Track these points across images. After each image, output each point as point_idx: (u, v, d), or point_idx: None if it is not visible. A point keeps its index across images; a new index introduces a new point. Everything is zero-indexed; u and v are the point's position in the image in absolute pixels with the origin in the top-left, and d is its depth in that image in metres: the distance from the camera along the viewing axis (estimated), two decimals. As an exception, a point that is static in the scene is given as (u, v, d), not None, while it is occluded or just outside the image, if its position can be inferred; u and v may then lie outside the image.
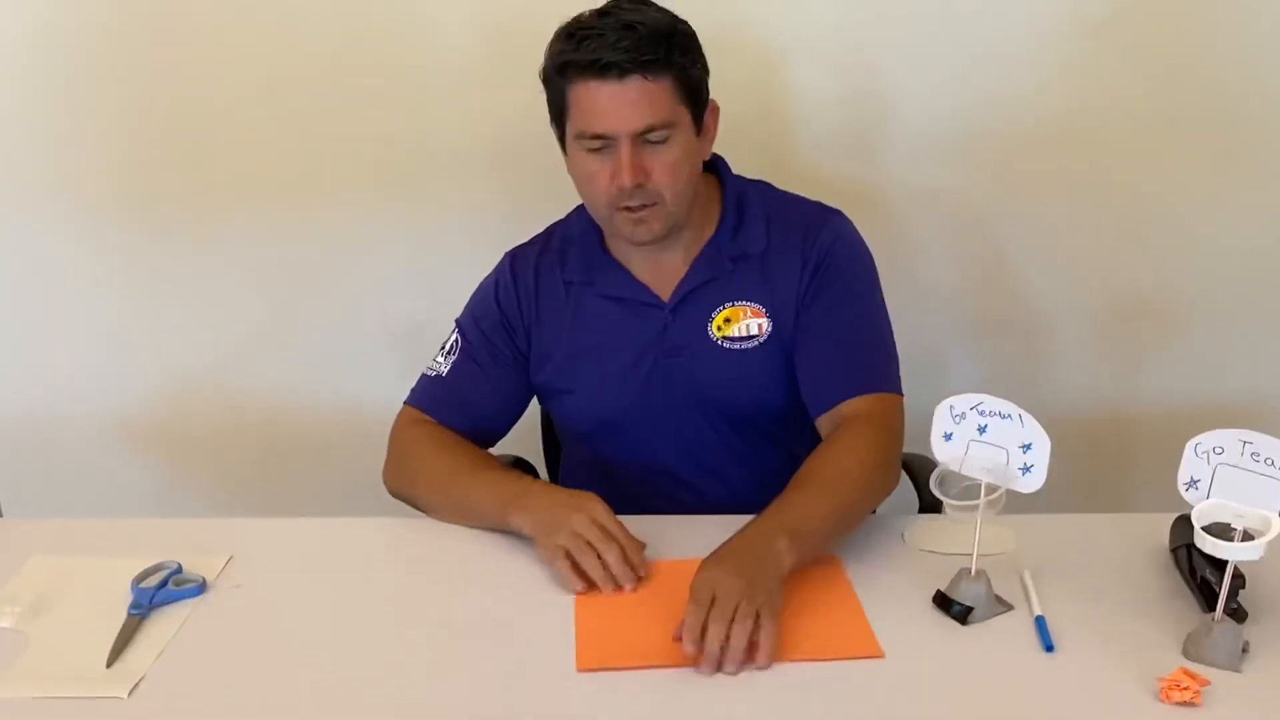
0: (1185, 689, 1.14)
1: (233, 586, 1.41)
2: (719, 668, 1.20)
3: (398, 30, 2.05)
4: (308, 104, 2.11)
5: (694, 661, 1.21)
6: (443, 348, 1.69)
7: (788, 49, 2.01)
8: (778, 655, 1.22)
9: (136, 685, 1.22)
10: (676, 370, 1.62)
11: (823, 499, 1.39)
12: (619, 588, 1.36)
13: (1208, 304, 2.20)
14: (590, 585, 1.36)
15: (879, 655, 1.25)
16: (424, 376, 1.69)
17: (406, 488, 1.61)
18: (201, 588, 1.40)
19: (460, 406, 1.65)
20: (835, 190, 1.91)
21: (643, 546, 1.41)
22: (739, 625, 1.20)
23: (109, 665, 1.26)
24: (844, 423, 1.51)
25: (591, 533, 1.38)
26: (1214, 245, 2.16)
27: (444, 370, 1.67)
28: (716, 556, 1.29)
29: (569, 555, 1.37)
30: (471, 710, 1.19)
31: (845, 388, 1.54)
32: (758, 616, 1.22)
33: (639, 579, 1.37)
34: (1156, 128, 2.08)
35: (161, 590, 1.38)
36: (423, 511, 1.58)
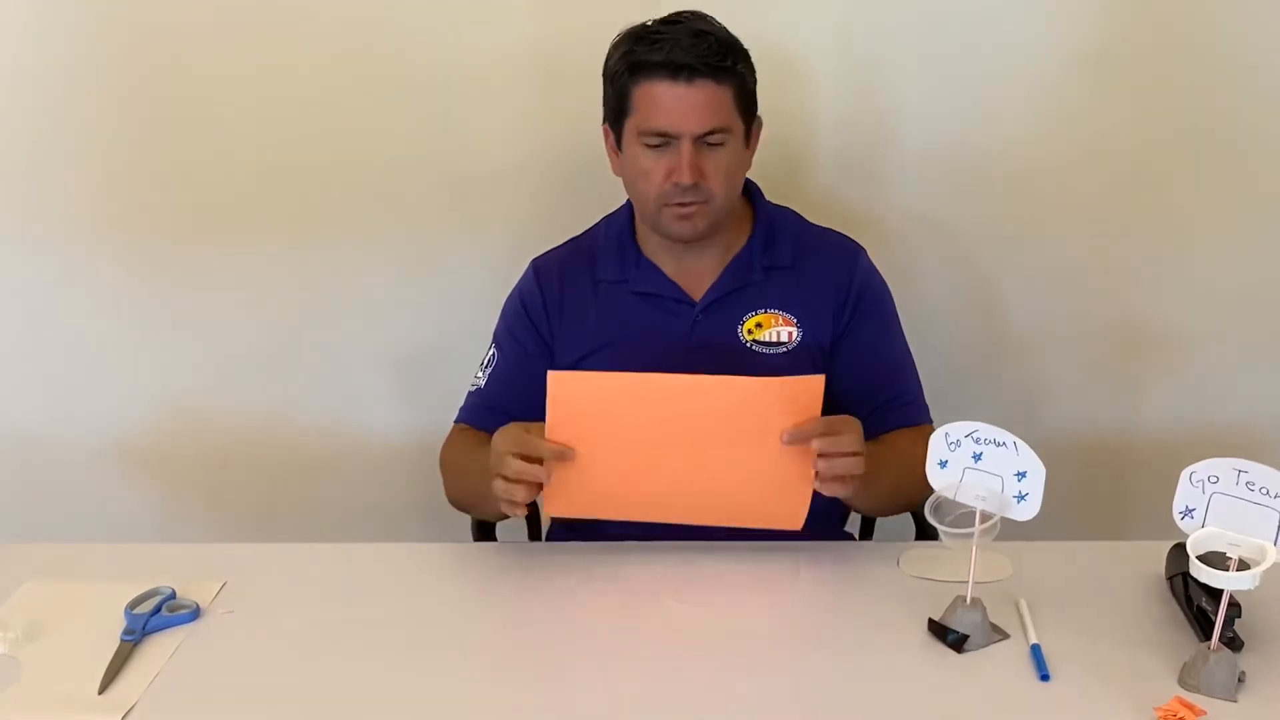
0: (1182, 719, 1.14)
1: (225, 612, 1.41)
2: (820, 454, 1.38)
3: (397, 55, 2.06)
4: (304, 129, 2.11)
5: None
6: (482, 363, 1.75)
7: (789, 73, 2.02)
8: (700, 518, 1.45)
9: (129, 712, 1.22)
10: (700, 367, 1.63)
11: (894, 465, 1.52)
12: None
13: (1203, 333, 2.20)
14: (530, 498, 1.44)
15: (795, 527, 1.42)
16: (468, 394, 1.75)
17: (454, 495, 1.68)
18: (195, 614, 1.39)
19: (498, 412, 1.68)
20: (834, 214, 1.92)
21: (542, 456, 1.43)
22: (849, 455, 1.39)
23: (101, 692, 1.25)
24: (902, 430, 1.65)
25: (500, 464, 1.43)
26: (1210, 274, 2.16)
27: (483, 383, 1.73)
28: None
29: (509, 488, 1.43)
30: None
31: (890, 424, 1.65)
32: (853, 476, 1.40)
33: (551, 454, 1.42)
34: (1154, 158, 2.09)
35: (155, 616, 1.37)
36: (481, 518, 1.69)
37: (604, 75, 1.61)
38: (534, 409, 1.67)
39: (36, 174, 2.16)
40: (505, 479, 1.42)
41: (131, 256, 2.21)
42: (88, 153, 2.14)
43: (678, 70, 1.51)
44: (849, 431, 1.40)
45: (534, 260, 1.77)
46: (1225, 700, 1.19)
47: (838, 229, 1.77)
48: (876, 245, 1.78)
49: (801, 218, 1.76)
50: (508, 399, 1.70)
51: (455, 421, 1.75)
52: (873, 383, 1.68)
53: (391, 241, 2.19)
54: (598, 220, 1.78)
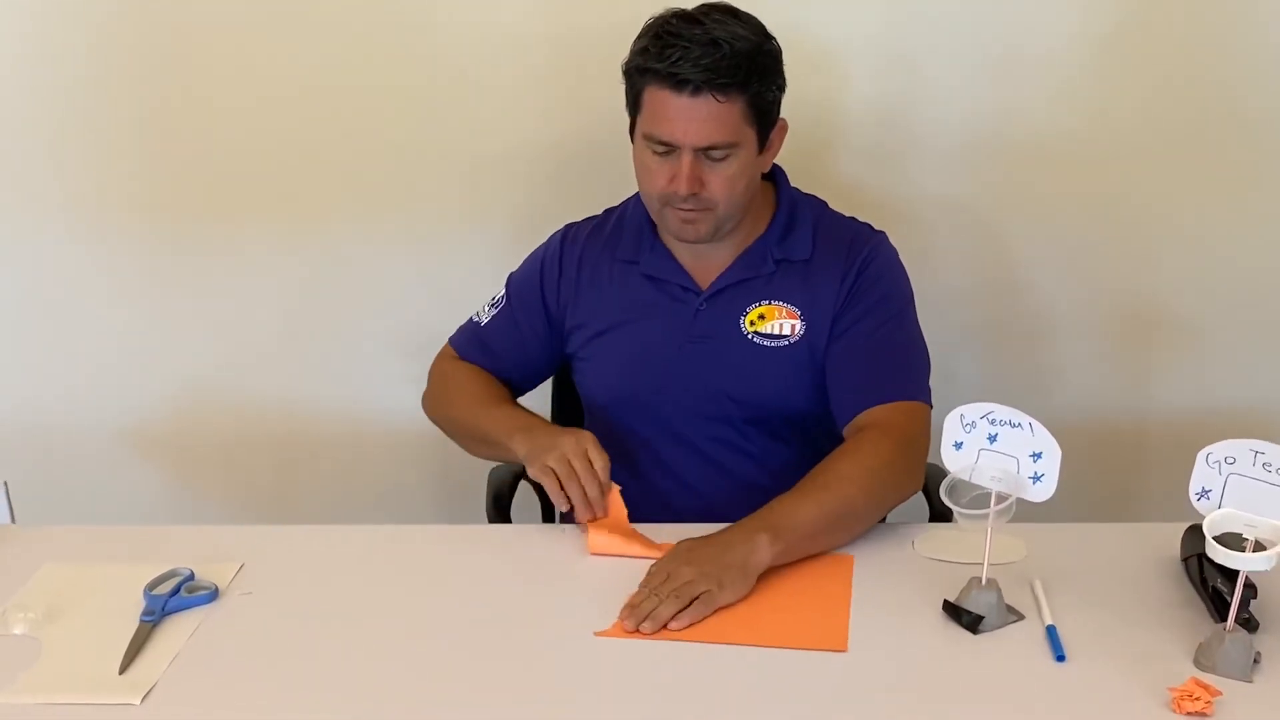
0: (1197, 699, 1.14)
1: (243, 594, 1.42)
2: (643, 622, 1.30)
3: (410, 40, 2.06)
4: (319, 114, 2.12)
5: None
6: (492, 299, 1.79)
7: (815, 61, 2.01)
8: (737, 639, 1.29)
9: (149, 692, 1.23)
10: (701, 357, 1.66)
11: (814, 501, 1.44)
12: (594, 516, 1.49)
13: (1219, 313, 2.19)
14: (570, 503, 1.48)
15: (841, 649, 1.27)
16: (469, 320, 1.80)
17: (441, 409, 1.75)
18: (214, 595, 1.40)
19: (490, 356, 1.77)
20: (848, 195, 1.91)
21: (616, 488, 1.51)
22: (669, 603, 1.30)
23: (121, 672, 1.26)
24: (860, 430, 1.55)
25: (579, 461, 1.48)
26: (1226, 255, 2.15)
27: (484, 320, 1.78)
28: (687, 544, 1.40)
29: (556, 476, 1.48)
30: (482, 717, 1.19)
31: (868, 398, 1.57)
32: (694, 600, 1.30)
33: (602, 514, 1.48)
34: (1169, 140, 2.08)
35: (174, 597, 1.38)
36: (450, 436, 1.74)
37: (622, 65, 1.56)
38: (523, 367, 1.78)
39: (53, 162, 2.17)
40: (570, 466, 1.48)
41: (146, 243, 2.22)
42: (101, 139, 2.15)
43: (680, 84, 1.47)
44: (663, 584, 1.33)
45: (567, 225, 1.78)
46: (1241, 681, 1.19)
47: (862, 212, 1.74)
48: (897, 228, 1.77)
49: (826, 207, 1.72)
50: (502, 350, 1.76)
51: (450, 341, 1.81)
52: (851, 372, 1.61)
53: (404, 227, 2.19)
54: (631, 194, 1.74)
